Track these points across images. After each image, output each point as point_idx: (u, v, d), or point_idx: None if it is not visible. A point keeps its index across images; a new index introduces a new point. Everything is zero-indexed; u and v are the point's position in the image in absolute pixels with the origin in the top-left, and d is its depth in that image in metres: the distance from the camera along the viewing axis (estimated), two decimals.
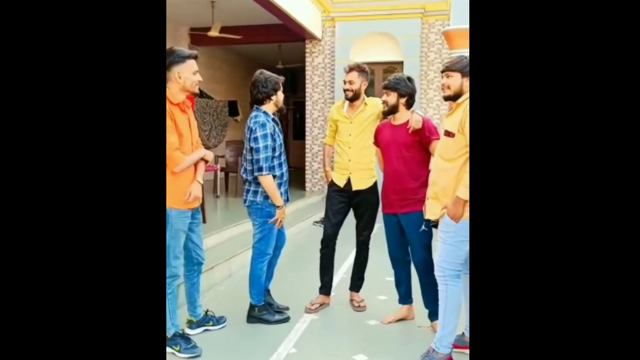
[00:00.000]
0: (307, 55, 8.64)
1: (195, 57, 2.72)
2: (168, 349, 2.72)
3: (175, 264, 2.71)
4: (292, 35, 8.15)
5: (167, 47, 2.35)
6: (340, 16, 8.23)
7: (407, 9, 7.90)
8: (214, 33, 7.46)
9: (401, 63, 8.02)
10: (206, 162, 2.87)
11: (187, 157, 2.69)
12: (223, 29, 7.57)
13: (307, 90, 8.74)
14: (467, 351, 2.72)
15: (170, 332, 2.74)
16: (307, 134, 8.84)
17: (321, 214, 7.07)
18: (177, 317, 2.79)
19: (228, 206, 7.25)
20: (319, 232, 6.38)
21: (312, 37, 8.37)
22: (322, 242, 3.49)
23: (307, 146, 8.89)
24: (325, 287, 3.52)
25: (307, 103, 8.77)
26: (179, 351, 2.71)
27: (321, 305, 3.47)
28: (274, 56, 10.55)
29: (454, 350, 2.62)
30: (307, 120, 8.81)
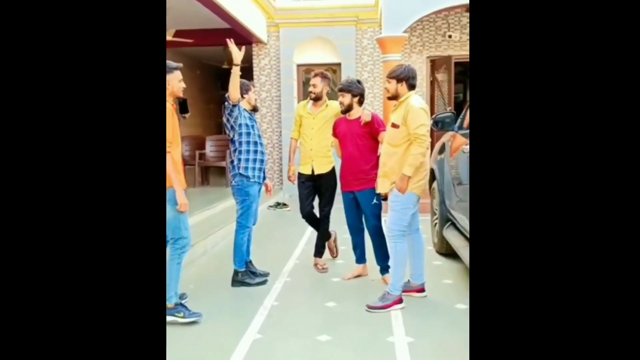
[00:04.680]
0: (254, 57, 8.96)
1: (180, 69, 3.08)
2: (170, 318, 2.86)
3: (187, 236, 3.00)
4: (239, 38, 8.35)
5: None
6: (283, 22, 8.63)
7: (343, 17, 8.45)
8: (167, 37, 7.61)
9: (339, 64, 8.59)
10: None
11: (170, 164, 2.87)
12: (175, 33, 7.74)
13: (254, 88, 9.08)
14: (412, 294, 3.32)
15: (171, 302, 2.89)
16: None
17: (273, 200, 7.52)
18: (178, 289, 2.99)
19: (189, 195, 7.46)
20: (274, 214, 6.86)
21: (258, 41, 8.70)
22: (304, 218, 4.01)
23: None
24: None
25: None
26: (182, 317, 2.89)
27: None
28: (219, 58, 10.72)
29: (403, 293, 3.21)
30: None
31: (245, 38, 8.39)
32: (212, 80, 11.97)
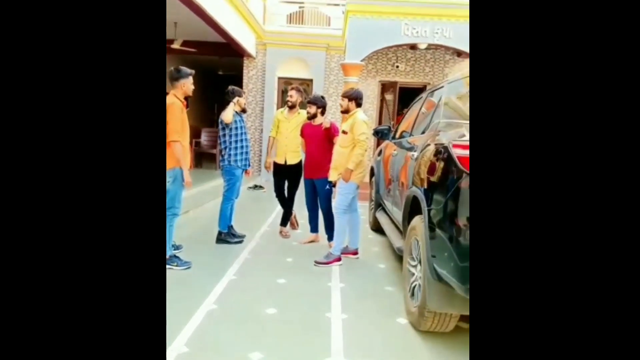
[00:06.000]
0: (244, 68, 9.13)
1: (192, 75, 3.32)
2: (167, 266, 3.09)
3: (179, 207, 3.24)
4: (233, 52, 8.59)
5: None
6: (270, 43, 8.85)
7: (316, 43, 8.75)
8: (176, 46, 7.68)
9: (311, 80, 8.90)
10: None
11: (181, 150, 3.09)
12: (182, 43, 7.82)
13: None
14: (349, 256, 3.72)
15: (168, 254, 3.13)
16: None
17: (252, 183, 7.79)
18: (171, 245, 3.23)
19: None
20: (252, 194, 7.14)
21: (249, 55, 8.88)
22: (277, 197, 4.35)
23: None
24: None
25: None
26: (177, 266, 3.13)
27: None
28: (215, 65, 10.81)
29: (342, 254, 3.61)
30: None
31: (237, 52, 8.56)
32: (209, 84, 12.02)
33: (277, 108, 8.55)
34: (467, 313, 2.15)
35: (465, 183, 1.84)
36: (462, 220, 1.85)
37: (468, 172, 1.83)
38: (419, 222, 2.37)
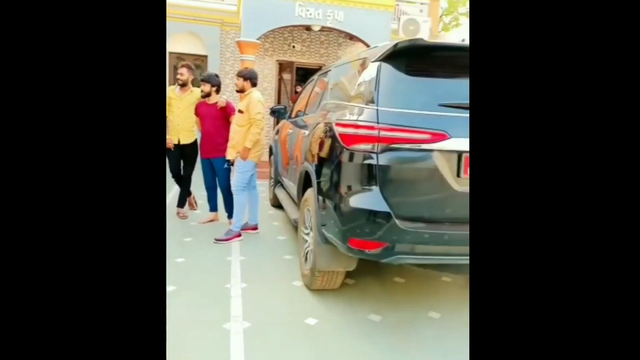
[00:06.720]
0: None
1: None
2: None
3: None
4: None
5: None
6: None
7: (210, 17, 8.45)
8: None
9: (206, 56, 8.60)
10: None
11: None
12: None
13: None
14: (249, 231, 3.88)
15: None
16: None
17: None
18: None
19: None
20: None
21: None
22: (173, 177, 4.28)
23: None
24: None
25: None
26: None
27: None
28: None
29: (242, 230, 3.76)
30: None
31: None
32: None
33: (169, 85, 8.11)
34: (350, 269, 2.50)
35: (344, 157, 2.13)
36: (343, 189, 2.14)
37: (347, 147, 2.12)
38: (310, 194, 2.64)
